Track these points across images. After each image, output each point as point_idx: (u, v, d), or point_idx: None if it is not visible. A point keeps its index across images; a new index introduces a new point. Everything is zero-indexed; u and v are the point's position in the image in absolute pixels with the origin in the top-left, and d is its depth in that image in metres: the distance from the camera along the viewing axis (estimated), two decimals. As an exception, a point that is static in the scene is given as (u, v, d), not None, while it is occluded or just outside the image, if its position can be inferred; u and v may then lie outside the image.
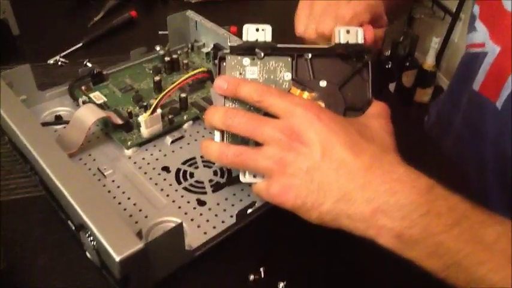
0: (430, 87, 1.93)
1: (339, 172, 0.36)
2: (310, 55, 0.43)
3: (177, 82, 0.51)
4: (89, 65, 0.63)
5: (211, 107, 0.41)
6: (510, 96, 0.53)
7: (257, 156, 0.38)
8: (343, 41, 0.42)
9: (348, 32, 0.42)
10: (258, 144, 0.39)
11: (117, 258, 0.35)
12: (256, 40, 0.42)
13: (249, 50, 0.42)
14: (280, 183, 0.37)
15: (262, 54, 0.42)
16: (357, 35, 0.42)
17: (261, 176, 0.40)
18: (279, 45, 0.42)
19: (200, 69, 0.52)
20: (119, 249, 0.35)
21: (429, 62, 1.87)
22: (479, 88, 0.59)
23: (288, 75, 0.43)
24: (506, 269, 0.32)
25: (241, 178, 0.41)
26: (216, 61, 0.43)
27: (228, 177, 0.51)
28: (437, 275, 0.34)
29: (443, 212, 0.33)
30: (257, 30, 0.42)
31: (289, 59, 0.43)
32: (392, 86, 1.97)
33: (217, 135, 0.41)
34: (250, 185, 0.41)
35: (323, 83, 0.43)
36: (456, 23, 1.81)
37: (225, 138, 0.41)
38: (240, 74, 0.42)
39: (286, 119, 0.38)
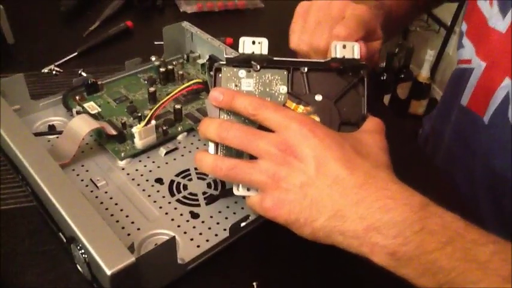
0: (424, 99, 1.95)
1: (332, 188, 0.36)
2: (306, 69, 0.43)
3: (172, 93, 0.51)
4: (84, 74, 0.63)
5: (206, 119, 0.41)
6: (497, 111, 0.54)
7: (251, 170, 0.38)
8: (339, 56, 0.42)
9: (344, 46, 0.42)
10: (252, 156, 0.39)
11: (109, 272, 0.34)
12: (253, 53, 0.42)
13: (245, 62, 0.42)
14: (274, 198, 0.37)
15: (258, 67, 0.42)
16: (353, 50, 0.42)
17: (255, 189, 0.39)
18: (275, 58, 0.42)
19: (195, 81, 0.52)
20: (110, 262, 0.35)
21: (424, 74, 1.89)
22: (467, 103, 0.59)
23: (283, 89, 0.43)
24: None
25: (235, 191, 0.40)
26: (212, 72, 0.43)
27: (221, 190, 0.51)
28: None
29: (437, 230, 0.33)
30: (253, 43, 0.42)
31: (285, 72, 0.43)
32: (387, 98, 1.98)
33: (211, 147, 0.41)
34: (244, 197, 0.41)
35: (318, 97, 0.43)
36: (451, 36, 1.83)
37: (219, 150, 0.41)
38: (236, 85, 0.42)
39: (281, 134, 0.38)
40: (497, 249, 0.33)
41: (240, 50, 0.42)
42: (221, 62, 0.43)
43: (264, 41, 0.42)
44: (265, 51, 0.42)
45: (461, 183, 0.62)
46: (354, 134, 0.41)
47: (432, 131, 0.75)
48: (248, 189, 0.40)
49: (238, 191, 0.40)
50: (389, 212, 0.34)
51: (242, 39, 0.42)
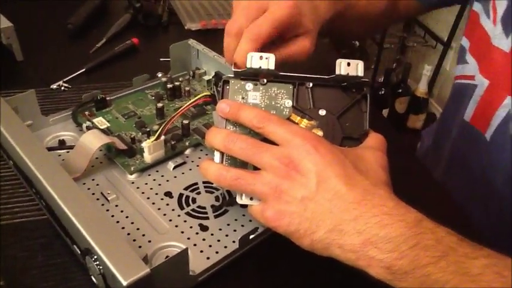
0: (422, 113, 1.97)
1: (332, 203, 0.37)
2: (311, 84, 0.45)
3: (182, 107, 0.53)
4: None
5: (213, 128, 0.43)
6: (498, 129, 0.55)
7: (254, 181, 0.39)
8: (343, 73, 0.43)
9: (348, 64, 0.43)
10: (256, 167, 0.40)
11: (124, 283, 0.35)
12: (260, 67, 0.43)
13: (252, 75, 0.44)
14: (275, 209, 0.39)
15: (265, 80, 0.44)
16: (357, 68, 0.43)
17: (257, 199, 0.41)
18: (281, 73, 0.44)
19: (204, 94, 0.53)
20: (126, 274, 0.36)
21: (421, 89, 1.91)
22: (470, 119, 0.60)
23: (288, 102, 0.44)
24: None
25: (238, 199, 0.42)
26: (219, 87, 0.45)
27: (226, 200, 0.52)
28: None
29: (431, 245, 0.35)
30: (261, 58, 0.43)
31: (290, 87, 0.44)
32: (385, 112, 2.00)
33: (217, 155, 0.42)
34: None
35: (322, 112, 0.44)
36: (447, 51, 1.86)
37: (224, 159, 0.42)
38: (243, 98, 0.44)
39: (285, 148, 0.39)
40: (489, 262, 0.34)
41: (248, 65, 0.43)
42: (229, 75, 0.44)
43: (271, 57, 0.43)
44: (272, 66, 0.43)
45: (458, 197, 0.63)
46: (355, 150, 0.42)
47: (432, 145, 0.76)
48: (251, 199, 0.41)
49: (241, 200, 0.42)
50: (385, 228, 0.36)
51: (250, 54, 0.43)
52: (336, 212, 0.37)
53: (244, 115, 0.41)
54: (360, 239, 0.36)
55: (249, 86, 0.44)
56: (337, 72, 0.44)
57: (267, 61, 0.43)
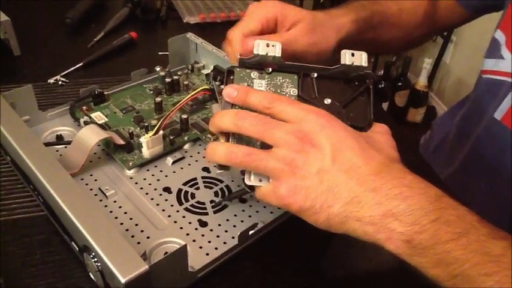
0: (422, 107, 1.96)
1: (349, 175, 0.36)
2: (315, 74, 0.44)
3: (181, 101, 0.52)
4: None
5: (220, 111, 0.41)
6: None
7: (267, 157, 0.38)
8: (348, 63, 0.44)
9: (353, 54, 0.44)
10: (264, 148, 0.39)
11: (123, 280, 0.35)
12: (266, 54, 0.43)
13: (257, 65, 0.44)
14: (289, 185, 0.37)
15: (270, 70, 0.44)
16: (361, 58, 0.43)
17: (267, 180, 0.39)
18: (286, 63, 0.44)
19: (202, 87, 0.52)
20: (124, 270, 0.35)
21: (421, 82, 1.91)
22: (502, 117, 0.58)
23: (294, 91, 0.44)
24: None
25: (247, 181, 0.40)
26: (217, 82, 0.44)
27: (227, 195, 0.51)
28: (443, 284, 0.34)
29: (452, 221, 0.34)
30: (267, 45, 0.43)
31: (295, 76, 0.44)
32: (385, 106, 1.99)
33: (222, 141, 0.42)
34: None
35: (327, 101, 0.44)
36: (447, 45, 1.85)
37: (230, 141, 0.41)
38: (248, 85, 0.43)
39: (297, 124, 0.38)
40: (509, 244, 0.33)
41: (255, 51, 0.43)
42: (233, 65, 0.44)
43: (278, 44, 0.43)
44: (278, 54, 0.43)
45: (474, 196, 0.61)
46: (365, 133, 0.42)
47: (446, 140, 0.74)
48: (260, 180, 0.40)
49: (250, 181, 0.40)
50: (406, 200, 0.35)
51: (257, 42, 0.43)
52: (352, 184, 0.36)
53: (252, 98, 0.40)
54: (380, 210, 0.35)
55: (255, 73, 0.44)
56: (342, 62, 0.44)
57: (273, 48, 0.43)
